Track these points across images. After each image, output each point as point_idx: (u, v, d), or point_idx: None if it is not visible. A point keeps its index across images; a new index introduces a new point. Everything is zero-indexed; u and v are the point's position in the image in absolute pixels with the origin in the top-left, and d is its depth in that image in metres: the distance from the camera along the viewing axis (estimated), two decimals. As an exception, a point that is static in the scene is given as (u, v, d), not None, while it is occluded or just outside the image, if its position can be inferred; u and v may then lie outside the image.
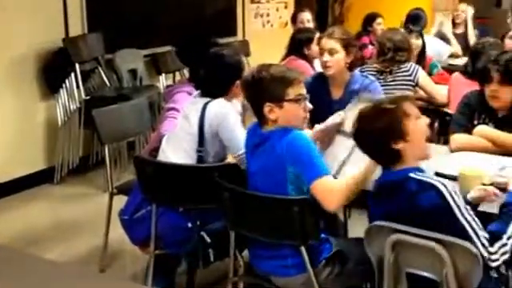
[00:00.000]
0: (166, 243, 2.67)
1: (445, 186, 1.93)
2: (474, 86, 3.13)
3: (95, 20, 5.00)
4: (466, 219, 1.92)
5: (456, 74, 3.97)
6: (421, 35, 4.74)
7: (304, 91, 2.31)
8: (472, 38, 5.62)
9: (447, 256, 1.90)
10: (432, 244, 1.91)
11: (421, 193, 1.94)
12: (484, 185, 2.24)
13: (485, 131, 2.89)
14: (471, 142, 2.88)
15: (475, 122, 2.97)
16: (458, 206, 1.92)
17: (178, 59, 3.57)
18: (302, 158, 2.19)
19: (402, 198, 1.98)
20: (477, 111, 2.98)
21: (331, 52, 3.17)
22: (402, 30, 4.52)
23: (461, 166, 2.37)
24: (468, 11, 5.85)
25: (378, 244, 2.06)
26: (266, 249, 2.33)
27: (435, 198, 1.92)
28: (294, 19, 5.24)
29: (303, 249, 2.19)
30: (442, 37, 5.60)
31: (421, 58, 4.65)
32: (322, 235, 2.32)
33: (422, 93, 4.05)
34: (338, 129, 2.62)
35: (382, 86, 3.87)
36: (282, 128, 2.26)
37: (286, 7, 7.40)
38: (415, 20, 5.40)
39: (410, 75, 3.98)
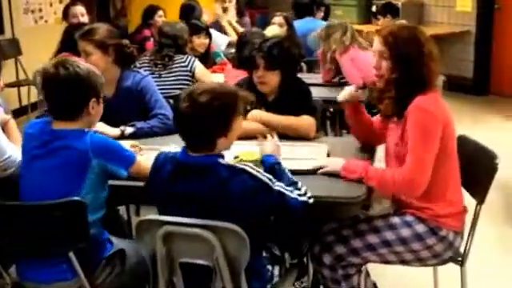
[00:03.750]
0: None
1: (251, 167, 2.03)
2: (245, 74, 3.23)
3: None
4: (278, 186, 2.07)
5: (229, 64, 4.09)
6: (207, 31, 4.68)
7: None
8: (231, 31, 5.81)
9: (216, 241, 1.93)
10: (199, 231, 1.93)
11: (232, 178, 1.99)
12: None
13: (258, 115, 2.98)
14: (246, 126, 2.95)
15: (248, 108, 3.05)
16: (268, 179, 2.04)
17: None
18: (112, 149, 2.26)
19: (212, 182, 1.99)
20: (248, 98, 3.07)
21: (87, 53, 3.00)
22: (181, 23, 4.48)
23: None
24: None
25: (149, 238, 2.03)
26: (37, 258, 2.21)
27: (248, 180, 1.99)
28: (65, 14, 4.96)
29: (72, 254, 2.10)
30: (218, 27, 5.71)
31: (207, 51, 4.68)
32: (103, 235, 2.29)
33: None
34: None
35: (158, 78, 3.85)
36: (79, 128, 2.24)
37: (60, 2, 6.99)
38: (188, 11, 5.43)
39: (186, 66, 4.00)
